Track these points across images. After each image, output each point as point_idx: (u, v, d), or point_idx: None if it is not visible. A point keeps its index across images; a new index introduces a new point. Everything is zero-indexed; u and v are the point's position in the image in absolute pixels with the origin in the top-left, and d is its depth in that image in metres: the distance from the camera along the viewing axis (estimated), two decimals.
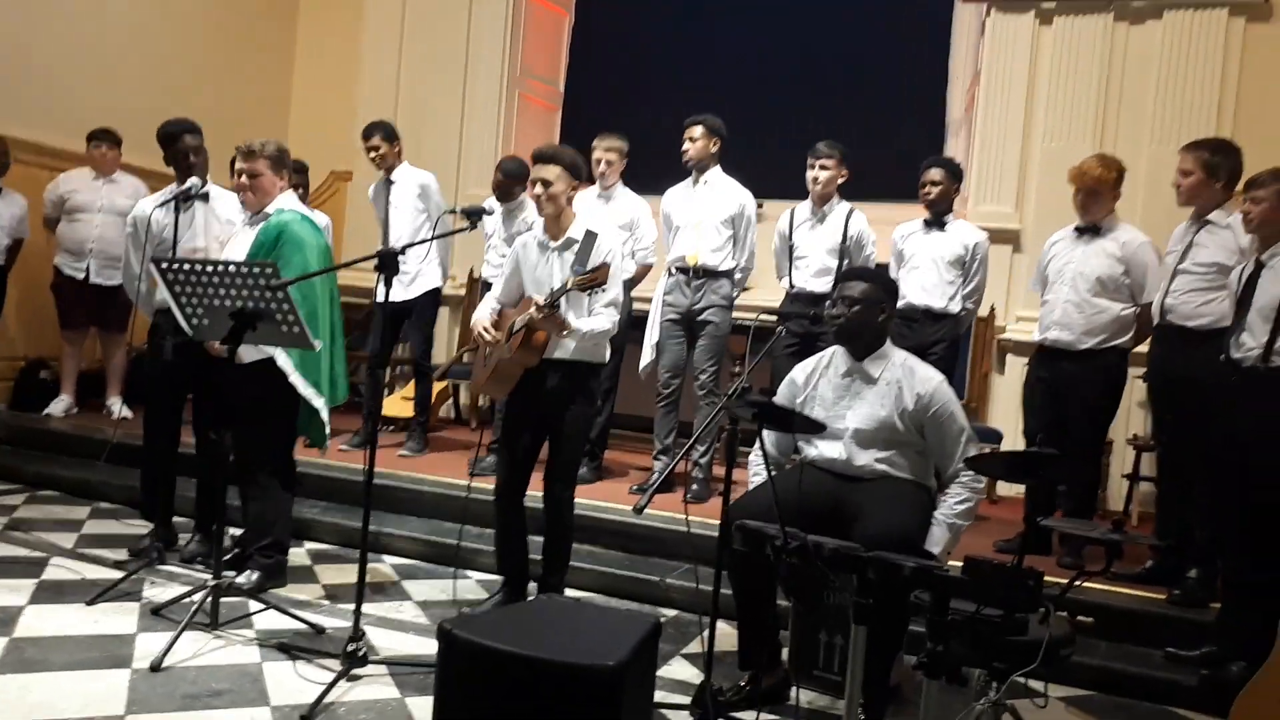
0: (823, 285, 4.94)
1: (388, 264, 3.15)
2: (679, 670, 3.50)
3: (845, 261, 4.92)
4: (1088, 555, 4.22)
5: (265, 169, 3.85)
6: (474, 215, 3.82)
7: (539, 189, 3.67)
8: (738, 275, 5.10)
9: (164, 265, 3.42)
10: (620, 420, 5.82)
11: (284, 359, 3.70)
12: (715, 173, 5.07)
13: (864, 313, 3.23)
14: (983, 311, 5.88)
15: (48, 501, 5.10)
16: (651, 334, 5.19)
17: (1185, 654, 3.58)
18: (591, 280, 3.41)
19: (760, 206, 5.21)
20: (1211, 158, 3.96)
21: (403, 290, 5.59)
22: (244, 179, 3.86)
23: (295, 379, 3.71)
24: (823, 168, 4.91)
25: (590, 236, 3.66)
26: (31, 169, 6.38)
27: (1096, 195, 4.30)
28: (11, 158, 5.79)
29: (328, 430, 3.85)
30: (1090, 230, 4.34)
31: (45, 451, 5.73)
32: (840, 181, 4.96)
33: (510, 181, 5.50)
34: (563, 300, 3.50)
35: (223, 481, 3.62)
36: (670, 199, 5.20)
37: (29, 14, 6.35)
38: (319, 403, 3.77)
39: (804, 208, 5.09)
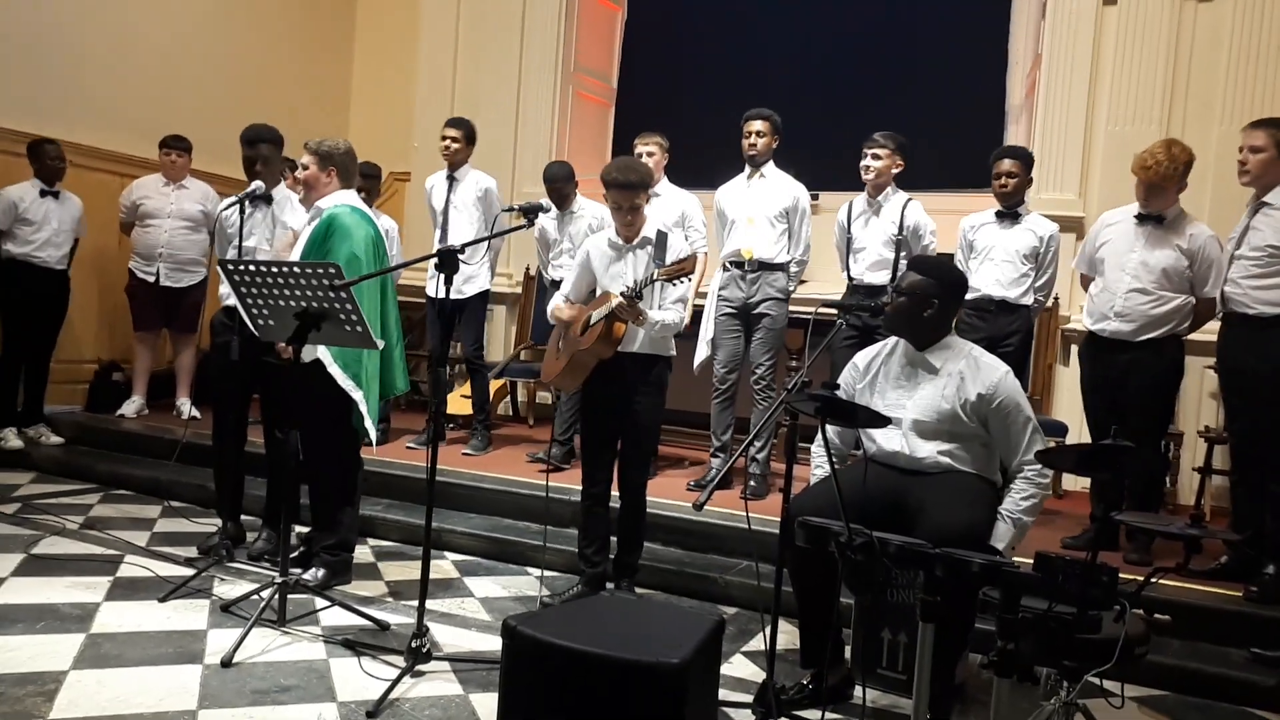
0: (880, 277, 4.88)
1: (448, 263, 3.17)
2: (740, 668, 3.49)
3: (903, 252, 4.86)
4: (1156, 550, 4.12)
5: (311, 163, 3.93)
6: (531, 213, 3.83)
7: (629, 216, 3.75)
8: (793, 269, 5.07)
9: (230, 266, 3.49)
10: (674, 416, 5.79)
11: (323, 350, 3.74)
12: (770, 167, 5.06)
13: (908, 305, 3.17)
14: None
15: (121, 500, 5.24)
16: (706, 329, 5.17)
17: (1269, 654, 3.46)
18: (679, 270, 3.50)
19: (816, 199, 5.16)
20: None
21: (456, 289, 5.64)
22: (298, 172, 3.99)
23: (334, 370, 3.75)
24: (874, 156, 4.83)
25: (662, 236, 3.77)
26: (99, 174, 6.58)
27: (1159, 189, 4.12)
28: (67, 161, 5.94)
29: (368, 423, 3.82)
30: (1154, 219, 4.18)
31: (118, 451, 5.90)
32: (896, 171, 4.87)
33: (560, 186, 5.48)
34: (646, 287, 3.60)
35: (290, 480, 3.68)
36: (725, 194, 5.17)
37: (91, 21, 6.51)
38: (357, 395, 3.78)
39: (861, 199, 5.02)
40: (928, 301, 3.19)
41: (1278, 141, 3.83)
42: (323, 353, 3.73)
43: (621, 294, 3.55)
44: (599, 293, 3.86)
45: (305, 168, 3.94)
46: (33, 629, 3.33)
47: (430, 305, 5.84)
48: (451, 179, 5.76)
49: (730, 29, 7.69)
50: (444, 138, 5.73)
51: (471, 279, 5.71)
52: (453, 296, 5.62)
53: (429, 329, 6.06)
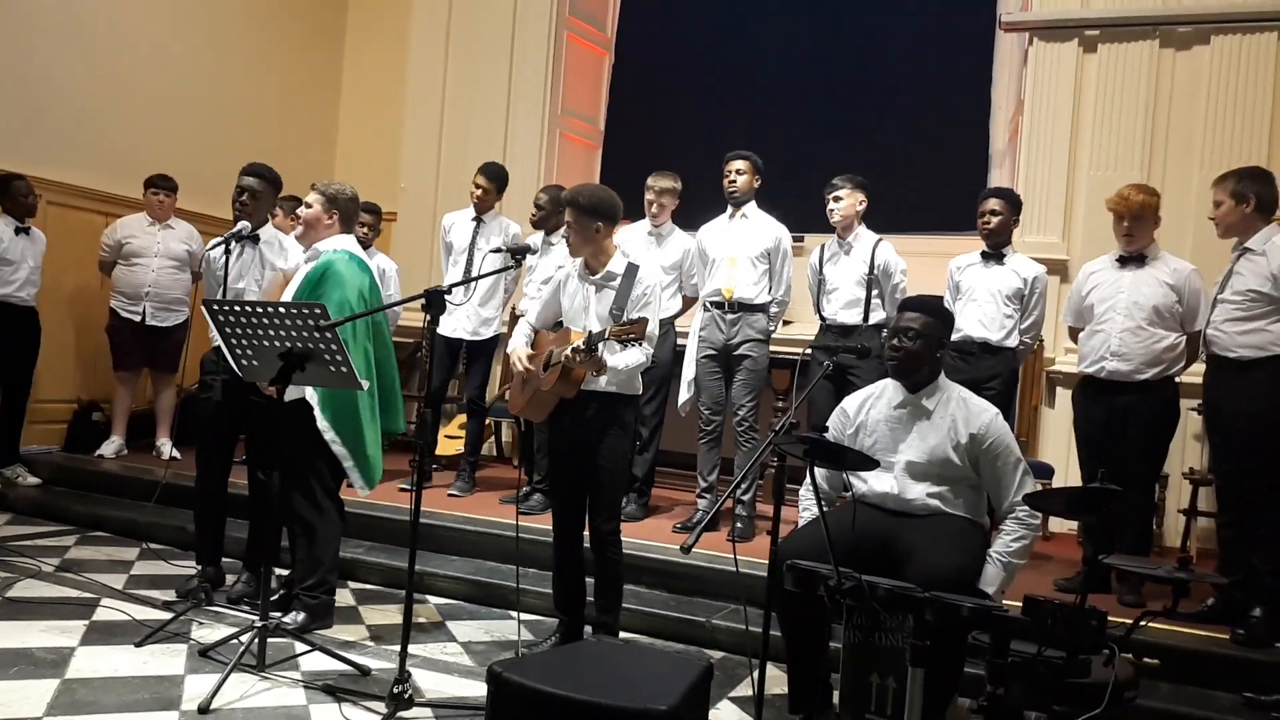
0: (853, 316, 4.94)
1: (435, 303, 3.16)
2: (727, 714, 3.43)
3: (874, 291, 4.91)
4: (1147, 593, 4.11)
5: (316, 204, 3.93)
6: (520, 253, 3.85)
7: (566, 234, 3.76)
8: (774, 309, 5.09)
9: (214, 306, 3.47)
10: (662, 457, 5.78)
11: (318, 411, 3.74)
12: (751, 207, 5.10)
13: (925, 346, 3.19)
14: None
15: (98, 542, 5.15)
16: (688, 370, 5.18)
17: (1264, 698, 3.44)
18: (628, 332, 3.35)
19: (801, 240, 5.19)
20: (1237, 185, 3.96)
21: (474, 330, 5.69)
22: (300, 209, 3.99)
23: (322, 424, 3.74)
24: (835, 199, 4.93)
25: (631, 270, 3.66)
26: (83, 213, 6.54)
27: (1142, 221, 4.24)
28: (39, 196, 5.86)
29: (363, 478, 3.84)
30: (1135, 259, 4.28)
31: (96, 492, 5.81)
32: (860, 209, 4.94)
33: (551, 208, 5.45)
34: (600, 342, 3.47)
35: (272, 522, 3.63)
36: (706, 233, 5.21)
37: (77, 58, 6.50)
38: (348, 464, 3.79)
39: (832, 241, 5.10)
40: (940, 342, 3.22)
41: (1232, 193, 3.96)
42: (317, 414, 3.72)
43: (575, 348, 3.44)
44: (565, 328, 3.79)
45: (309, 206, 3.93)
46: (6, 674, 3.25)
47: (442, 344, 5.74)
48: (478, 220, 5.78)
49: (717, 73, 7.78)
50: (475, 185, 5.76)
51: (489, 321, 5.74)
52: (470, 338, 5.71)
53: (436, 368, 5.89)
